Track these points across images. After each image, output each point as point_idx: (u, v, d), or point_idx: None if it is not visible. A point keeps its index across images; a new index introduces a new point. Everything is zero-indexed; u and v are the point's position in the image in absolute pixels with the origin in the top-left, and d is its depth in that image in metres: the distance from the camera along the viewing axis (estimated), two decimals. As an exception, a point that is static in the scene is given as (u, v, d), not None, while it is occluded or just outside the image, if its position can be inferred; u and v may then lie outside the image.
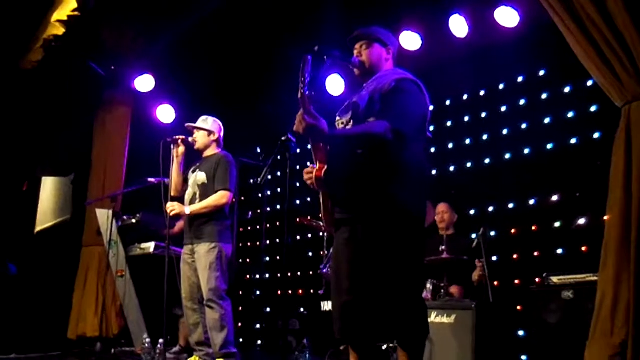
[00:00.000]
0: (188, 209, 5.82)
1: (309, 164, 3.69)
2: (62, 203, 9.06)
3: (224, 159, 5.98)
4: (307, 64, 3.37)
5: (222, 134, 6.29)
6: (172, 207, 5.78)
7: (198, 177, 6.00)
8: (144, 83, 8.57)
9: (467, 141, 7.93)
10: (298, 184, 8.64)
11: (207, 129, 6.17)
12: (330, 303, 6.36)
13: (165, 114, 9.07)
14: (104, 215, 7.70)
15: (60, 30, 7.27)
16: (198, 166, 6.13)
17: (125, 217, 7.80)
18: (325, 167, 3.45)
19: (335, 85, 8.12)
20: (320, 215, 3.75)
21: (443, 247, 6.33)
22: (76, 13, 7.05)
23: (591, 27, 3.71)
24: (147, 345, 6.23)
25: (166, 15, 7.32)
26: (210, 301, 5.65)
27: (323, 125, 3.35)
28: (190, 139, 6.13)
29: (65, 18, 7.14)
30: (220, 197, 5.82)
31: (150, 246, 7.26)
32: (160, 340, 5.89)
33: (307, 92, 3.33)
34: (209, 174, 5.93)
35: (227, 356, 5.64)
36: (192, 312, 5.88)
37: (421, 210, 3.61)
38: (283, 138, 3.91)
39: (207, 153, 6.18)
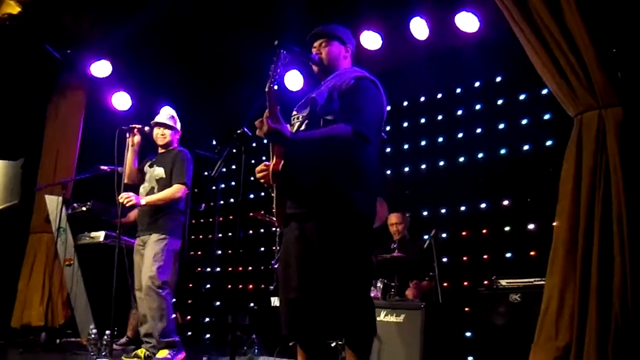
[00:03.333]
0: (143, 200, 5.82)
1: (263, 158, 3.68)
2: (11, 187, 8.88)
3: (181, 154, 6.03)
4: (280, 58, 3.37)
5: (179, 127, 6.36)
6: (129, 198, 5.74)
7: (156, 172, 6.04)
8: (101, 69, 8.45)
9: (423, 143, 8.00)
10: (252, 178, 8.61)
11: (175, 127, 6.24)
12: (280, 299, 6.37)
13: (121, 101, 8.97)
14: (53, 202, 7.58)
15: (15, 9, 7.14)
16: (155, 161, 6.16)
17: (75, 205, 7.67)
18: (283, 161, 3.44)
19: (293, 80, 8.12)
20: (273, 210, 3.74)
21: (394, 246, 6.39)
22: (34, -7, 6.93)
23: (548, 38, 3.77)
24: (93, 336, 6.15)
25: (127, 2, 7.22)
26: (149, 289, 5.64)
27: (285, 129, 3.35)
28: (146, 129, 6.12)
29: (21, -3, 7.02)
30: (175, 191, 5.88)
31: (100, 235, 7.17)
32: (107, 332, 5.83)
33: (275, 87, 3.31)
34: (166, 169, 5.97)
35: (169, 345, 5.64)
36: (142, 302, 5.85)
37: (372, 210, 3.63)
38: (238, 131, 3.87)
39: (166, 148, 6.21)
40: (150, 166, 6.15)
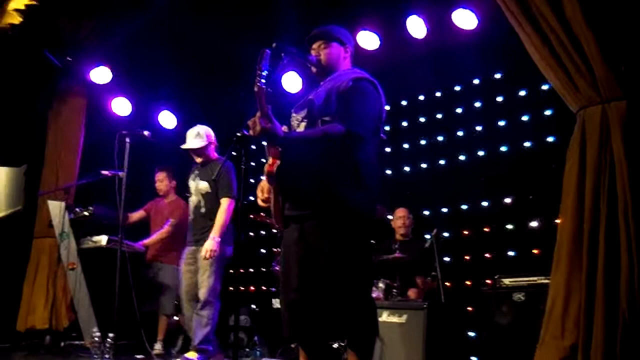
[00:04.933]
0: (217, 237, 5.91)
1: (263, 160, 3.68)
2: (14, 193, 8.89)
3: (223, 167, 6.06)
4: (266, 57, 3.36)
5: (214, 137, 6.45)
6: (208, 252, 5.87)
7: (200, 185, 6.24)
8: (100, 75, 8.47)
9: (423, 142, 7.98)
10: (252, 180, 8.63)
11: (204, 144, 6.30)
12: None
13: (121, 106, 8.99)
14: (56, 207, 7.58)
15: (17, 19, 7.17)
16: (197, 174, 6.32)
17: (77, 210, 7.67)
18: (278, 162, 3.44)
19: (291, 82, 8.12)
20: (271, 211, 3.75)
21: (396, 247, 6.38)
22: (34, 2, 6.97)
23: (548, 32, 3.72)
24: (96, 339, 6.16)
25: (125, 8, 7.24)
26: (206, 300, 5.93)
27: (277, 128, 3.34)
28: (145, 133, 6.22)
29: (22, 7, 7.05)
30: (226, 206, 6.05)
31: (102, 239, 7.16)
32: (110, 334, 5.85)
33: (263, 86, 3.31)
34: (210, 183, 6.14)
35: (201, 351, 5.86)
36: (190, 308, 6.12)
37: (372, 211, 3.62)
38: (238, 134, 3.87)
39: (205, 161, 6.35)
40: (194, 179, 6.32)
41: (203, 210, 6.19)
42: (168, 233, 7.39)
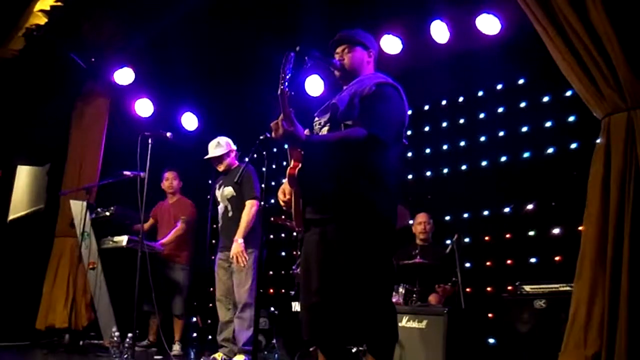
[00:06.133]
0: (240, 239, 6.09)
1: (284, 163, 3.68)
2: (37, 192, 8.97)
3: (245, 170, 6.15)
4: (289, 60, 3.37)
5: (233, 145, 6.67)
6: (238, 257, 6.05)
7: (225, 192, 6.46)
8: (124, 76, 8.52)
9: (445, 147, 7.94)
10: (273, 183, 8.64)
11: (225, 152, 6.54)
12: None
13: (144, 107, 9.04)
14: (78, 207, 7.63)
15: (42, 20, 7.23)
16: (222, 182, 6.56)
17: (99, 210, 7.74)
18: (300, 165, 3.43)
19: (314, 85, 8.12)
20: (292, 214, 3.74)
21: (416, 252, 6.35)
22: (59, 3, 7.01)
23: (573, 37, 3.70)
24: (115, 338, 6.19)
25: (148, 9, 7.27)
26: (246, 303, 6.15)
27: (300, 131, 3.35)
28: (168, 134, 6.44)
29: (47, 8, 7.11)
30: (250, 207, 6.24)
31: (123, 239, 7.20)
32: (129, 334, 5.88)
33: (286, 89, 3.31)
34: (235, 187, 6.33)
35: (246, 352, 6.08)
36: (226, 311, 6.38)
37: (392, 215, 3.61)
38: (261, 137, 3.89)
39: (228, 169, 6.59)
40: (219, 188, 6.56)
41: (230, 214, 6.39)
42: (183, 230, 7.50)
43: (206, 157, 6.56)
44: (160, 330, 6.75)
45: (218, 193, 6.54)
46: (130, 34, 7.89)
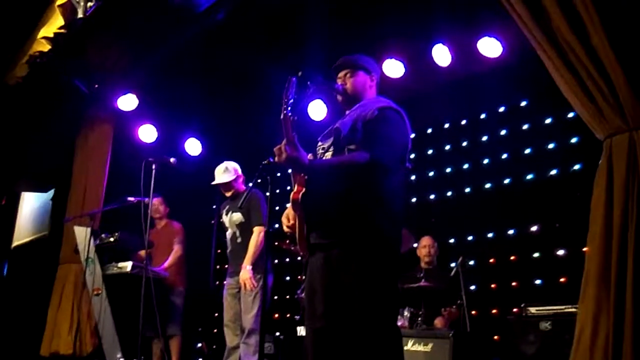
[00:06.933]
0: (249, 266, 6.12)
1: (288, 188, 3.68)
2: (41, 219, 9.00)
3: (252, 196, 6.22)
4: (292, 85, 3.38)
5: (240, 171, 6.67)
6: (246, 284, 6.09)
7: (234, 218, 6.44)
8: (127, 102, 8.55)
9: (448, 170, 7.95)
10: (277, 208, 8.64)
11: (232, 178, 6.52)
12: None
13: (147, 133, 9.06)
14: (82, 233, 7.63)
15: (45, 47, 7.29)
16: (229, 207, 6.55)
17: (103, 236, 7.74)
18: (303, 190, 3.45)
19: (317, 110, 8.14)
20: (296, 239, 3.74)
21: (421, 275, 6.34)
22: (62, 30, 7.06)
23: (573, 59, 3.71)
24: (120, 365, 6.19)
25: (151, 36, 7.31)
26: (252, 329, 6.12)
27: (303, 156, 3.37)
28: (172, 160, 6.40)
29: (51, 35, 7.16)
30: (258, 234, 6.22)
31: (127, 265, 7.20)
32: (134, 360, 5.88)
33: (289, 114, 3.33)
34: (243, 213, 6.35)
35: None
36: (234, 337, 6.36)
37: (397, 238, 3.61)
38: (265, 162, 3.90)
39: (236, 194, 6.54)
40: (226, 214, 6.53)
41: (239, 240, 6.40)
42: (181, 250, 7.56)
43: (213, 182, 6.57)
44: (165, 354, 6.73)
45: (226, 219, 6.53)
46: (134, 60, 7.93)
